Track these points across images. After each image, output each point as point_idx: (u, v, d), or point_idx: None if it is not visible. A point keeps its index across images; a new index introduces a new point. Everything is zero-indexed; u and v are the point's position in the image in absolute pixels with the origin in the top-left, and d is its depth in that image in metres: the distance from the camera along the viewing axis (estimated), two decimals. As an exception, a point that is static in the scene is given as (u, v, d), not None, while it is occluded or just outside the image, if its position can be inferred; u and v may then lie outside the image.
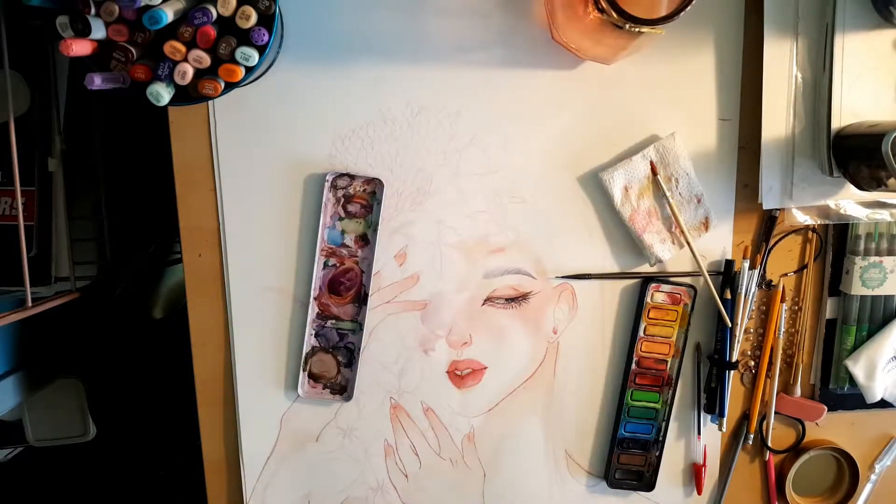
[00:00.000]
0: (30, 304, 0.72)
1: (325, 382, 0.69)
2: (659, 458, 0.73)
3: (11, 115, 0.69)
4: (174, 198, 0.66)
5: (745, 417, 0.74)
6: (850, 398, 0.74)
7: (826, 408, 0.72)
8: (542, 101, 0.66)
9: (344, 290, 0.68)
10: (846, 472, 0.76)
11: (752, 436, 0.73)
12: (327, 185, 0.65)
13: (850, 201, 0.67)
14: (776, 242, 0.70)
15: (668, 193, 0.67)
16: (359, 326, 0.68)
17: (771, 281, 0.71)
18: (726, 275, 0.70)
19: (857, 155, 0.62)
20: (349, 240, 0.67)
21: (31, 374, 0.89)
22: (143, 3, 0.49)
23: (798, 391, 0.73)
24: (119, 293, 1.00)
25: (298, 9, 0.62)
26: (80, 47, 0.50)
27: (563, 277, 0.69)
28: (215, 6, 0.51)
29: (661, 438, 0.72)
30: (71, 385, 0.99)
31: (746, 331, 0.72)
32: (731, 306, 0.69)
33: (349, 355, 0.69)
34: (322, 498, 0.72)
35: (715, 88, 0.67)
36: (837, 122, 0.64)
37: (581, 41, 0.60)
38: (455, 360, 0.70)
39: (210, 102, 0.64)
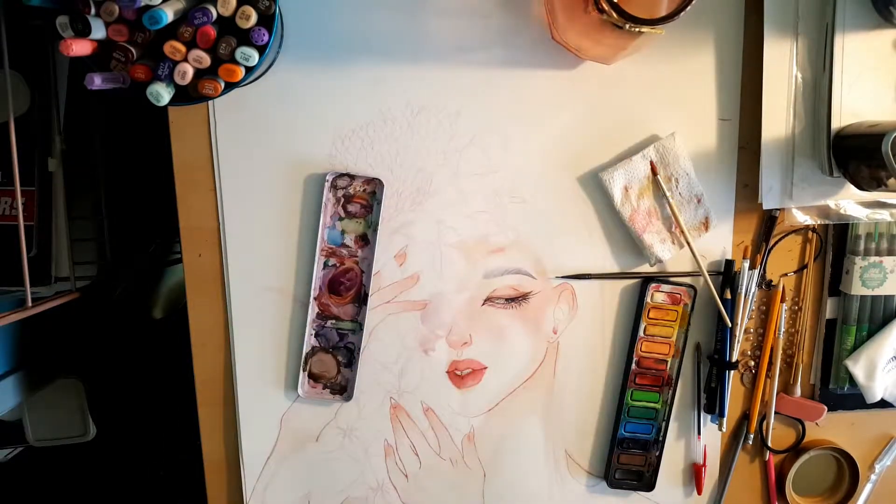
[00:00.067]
0: (30, 304, 0.72)
1: (325, 382, 0.69)
2: (659, 458, 0.73)
3: (11, 115, 0.69)
4: (174, 198, 0.66)
5: (745, 417, 0.74)
6: (850, 398, 0.74)
7: (826, 408, 0.72)
8: (542, 101, 0.66)
9: (344, 290, 0.68)
10: (846, 472, 0.76)
11: (752, 436, 0.73)
12: (327, 185, 0.65)
13: (850, 201, 0.67)
14: (776, 242, 0.70)
15: (668, 193, 0.67)
16: (359, 326, 0.68)
17: (771, 281, 0.71)
18: (726, 275, 0.70)
19: (857, 155, 0.62)
20: (349, 240, 0.67)
21: (31, 374, 0.89)
22: (143, 3, 0.49)
23: (798, 391, 0.73)
24: (119, 293, 1.00)
25: (298, 9, 0.62)
26: (80, 47, 0.50)
27: (563, 277, 0.69)
28: (215, 6, 0.51)
29: (661, 438, 0.72)
30: (71, 385, 0.99)
31: (746, 331, 0.72)
32: (731, 306, 0.69)
33: (349, 355, 0.69)
34: (322, 498, 0.72)
35: (715, 88, 0.67)
36: (837, 122, 0.64)
37: (581, 41, 0.60)
38: (455, 360, 0.70)
39: (210, 102, 0.64)
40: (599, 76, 0.66)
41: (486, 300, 0.69)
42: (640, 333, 0.70)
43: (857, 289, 0.69)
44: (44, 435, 1.00)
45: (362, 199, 0.66)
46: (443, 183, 0.66)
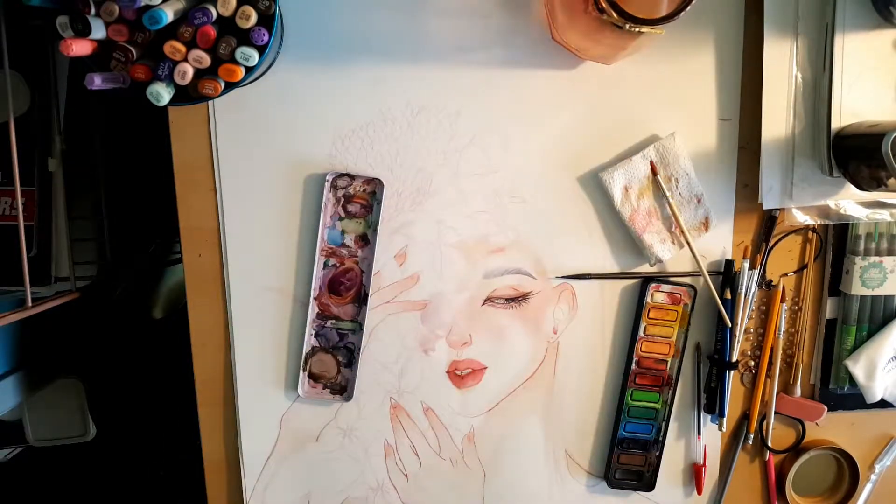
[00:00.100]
0: (30, 304, 0.72)
1: (325, 382, 0.69)
2: (659, 458, 0.73)
3: (11, 115, 0.69)
4: (174, 198, 0.66)
5: (745, 417, 0.74)
6: (850, 398, 0.74)
7: (826, 408, 0.72)
8: (542, 101, 0.66)
9: (344, 290, 0.68)
10: (846, 472, 0.76)
11: (752, 436, 0.73)
12: (327, 185, 0.65)
13: (850, 201, 0.67)
14: (776, 242, 0.70)
15: (668, 193, 0.67)
16: (359, 326, 0.68)
17: (771, 281, 0.71)
18: (726, 275, 0.70)
19: (857, 155, 0.62)
20: (349, 240, 0.67)
21: (31, 374, 0.89)
22: (143, 3, 0.49)
23: (798, 391, 0.73)
24: (119, 293, 1.00)
25: (298, 9, 0.62)
26: (80, 47, 0.50)
27: (563, 277, 0.69)
28: (215, 6, 0.51)
29: (661, 438, 0.72)
30: (71, 385, 0.99)
31: (746, 331, 0.72)
32: (731, 306, 0.69)
33: (349, 355, 0.69)
34: (322, 498, 0.72)
35: (715, 88, 0.67)
36: (837, 122, 0.64)
37: (581, 41, 0.60)
38: (455, 360, 0.70)
39: (210, 102, 0.64)
40: (599, 76, 0.66)
41: (486, 300, 0.69)
42: (640, 333, 0.70)
43: (857, 289, 0.69)
44: (44, 435, 1.00)
45: (362, 199, 0.66)
46: (443, 183, 0.66)
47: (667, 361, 0.71)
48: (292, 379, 0.69)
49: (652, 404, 0.72)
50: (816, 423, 0.74)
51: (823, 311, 0.72)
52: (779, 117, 0.65)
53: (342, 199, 0.66)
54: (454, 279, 0.68)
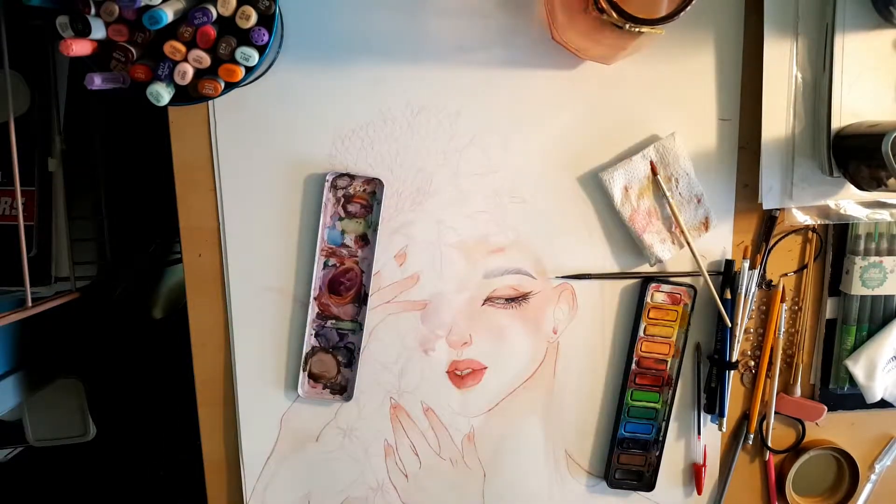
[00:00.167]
0: (30, 304, 0.72)
1: (325, 382, 0.69)
2: (659, 458, 0.73)
3: (11, 115, 0.69)
4: (174, 198, 0.66)
5: (745, 417, 0.74)
6: (850, 398, 0.74)
7: (826, 408, 0.72)
8: (542, 101, 0.66)
9: (344, 290, 0.68)
10: (846, 472, 0.76)
11: (752, 436, 0.73)
12: (327, 185, 0.65)
13: (850, 201, 0.67)
14: (776, 242, 0.70)
15: (668, 193, 0.67)
16: (359, 326, 0.68)
17: (771, 281, 0.71)
18: (726, 275, 0.70)
19: (857, 155, 0.62)
20: (349, 240, 0.67)
21: (31, 374, 0.89)
22: (143, 3, 0.49)
23: (798, 391, 0.73)
24: (119, 293, 1.00)
25: (298, 9, 0.62)
26: (80, 47, 0.50)
27: (563, 277, 0.69)
28: (215, 6, 0.51)
29: (661, 438, 0.72)
30: (71, 385, 0.99)
31: (746, 331, 0.72)
32: (731, 306, 0.69)
33: (349, 355, 0.69)
34: (322, 498, 0.72)
35: (715, 88, 0.67)
36: (837, 122, 0.64)
37: (581, 41, 0.60)
38: (455, 360, 0.70)
39: (210, 102, 0.64)
40: (599, 76, 0.66)
41: (486, 300, 0.69)
42: (640, 333, 0.70)
43: (857, 289, 0.69)
44: (44, 435, 1.00)
45: (362, 199, 0.66)
46: (443, 183, 0.66)
47: (667, 361, 0.71)
48: (292, 379, 0.69)
49: (652, 404, 0.72)
50: (816, 423, 0.74)
51: (823, 311, 0.72)
52: (779, 117, 0.65)
53: (342, 199, 0.66)
54: (454, 279, 0.68)
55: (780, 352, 0.72)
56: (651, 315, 0.70)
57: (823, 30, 0.63)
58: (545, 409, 0.72)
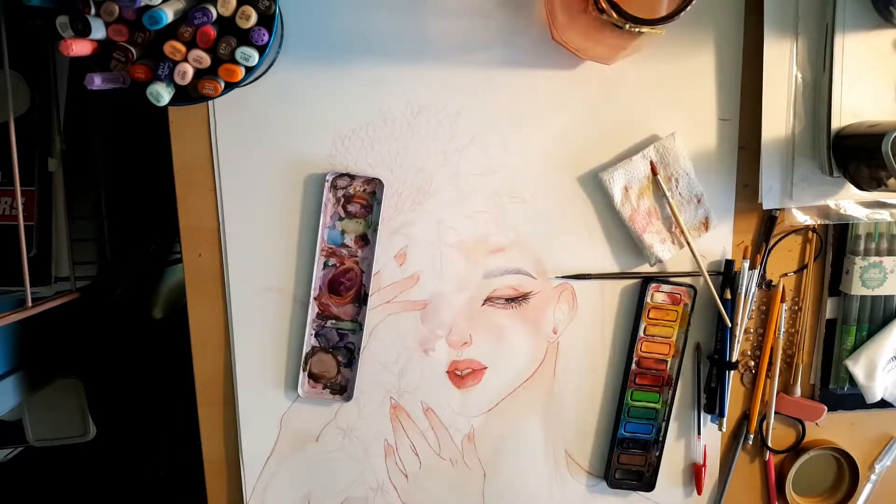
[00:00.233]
0: (30, 304, 0.72)
1: (325, 382, 0.69)
2: (659, 458, 0.73)
3: (11, 115, 0.69)
4: (174, 198, 0.66)
5: (745, 417, 0.74)
6: (850, 398, 0.74)
7: (826, 408, 0.72)
8: (542, 101, 0.66)
9: (344, 290, 0.68)
10: (846, 472, 0.76)
11: (752, 436, 0.73)
12: (327, 185, 0.65)
13: (850, 201, 0.67)
14: (776, 242, 0.70)
15: (668, 193, 0.67)
16: (359, 326, 0.68)
17: (771, 281, 0.71)
18: (726, 275, 0.70)
19: (857, 155, 0.62)
20: (349, 240, 0.67)
21: (31, 374, 0.89)
22: (143, 3, 0.49)
23: (798, 391, 0.73)
24: (119, 293, 1.00)
25: (298, 9, 0.62)
26: (80, 47, 0.50)
27: (563, 277, 0.69)
28: (215, 6, 0.51)
29: (661, 438, 0.72)
30: (71, 385, 0.99)
31: (746, 331, 0.72)
32: (731, 306, 0.69)
33: (349, 355, 0.69)
34: (322, 498, 0.72)
35: (715, 88, 0.67)
36: (837, 122, 0.64)
37: (581, 41, 0.60)
38: (455, 360, 0.70)
39: (210, 102, 0.64)
40: (599, 76, 0.66)
41: (486, 300, 0.69)
42: (640, 333, 0.70)
43: (857, 289, 0.69)
44: (44, 435, 1.00)
45: (362, 199, 0.66)
46: (443, 183, 0.66)
47: (667, 361, 0.71)
48: (292, 379, 0.69)
49: (652, 404, 0.72)
50: (816, 423, 0.74)
51: (823, 311, 0.72)
52: (779, 117, 0.65)
53: (342, 199, 0.66)
54: (454, 279, 0.68)
55: (780, 352, 0.72)
56: (651, 315, 0.70)
57: (823, 30, 0.63)
58: (545, 409, 0.72)
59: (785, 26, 0.64)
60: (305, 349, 0.68)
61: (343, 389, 0.69)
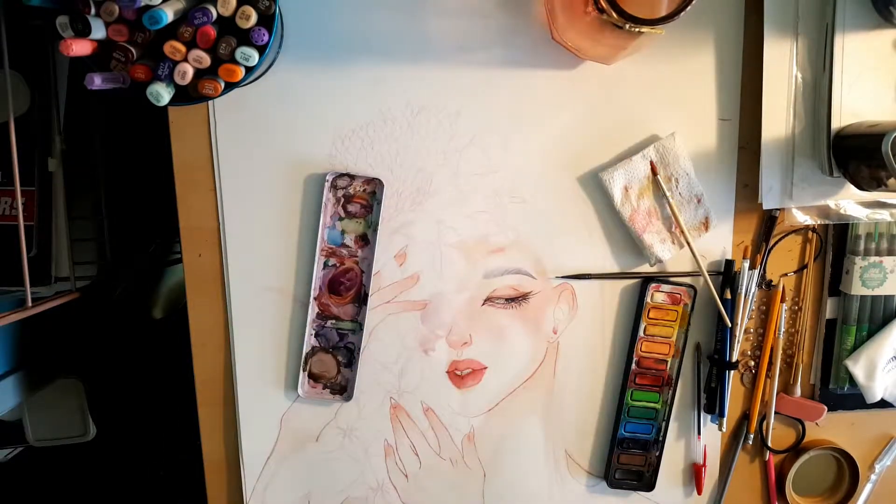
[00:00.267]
0: (30, 304, 0.72)
1: (325, 382, 0.69)
2: (659, 458, 0.73)
3: (11, 115, 0.69)
4: (174, 198, 0.66)
5: (745, 417, 0.74)
6: (850, 398, 0.74)
7: (826, 408, 0.72)
8: (542, 101, 0.66)
9: (344, 290, 0.68)
10: (846, 472, 0.76)
11: (752, 436, 0.73)
12: (327, 185, 0.65)
13: (850, 201, 0.67)
14: (776, 242, 0.70)
15: (668, 193, 0.67)
16: (359, 326, 0.68)
17: (771, 281, 0.71)
18: (726, 275, 0.70)
19: (857, 155, 0.62)
20: (349, 240, 0.67)
21: (31, 374, 0.89)
22: (143, 3, 0.49)
23: (798, 391, 0.73)
24: (119, 293, 1.00)
25: (298, 9, 0.62)
26: (80, 47, 0.50)
27: (563, 277, 0.69)
28: (215, 6, 0.51)
29: (661, 438, 0.72)
30: (71, 385, 0.99)
31: (746, 331, 0.72)
32: (731, 306, 0.69)
33: (349, 355, 0.69)
34: (322, 498, 0.72)
35: (715, 88, 0.67)
36: (837, 122, 0.64)
37: (581, 41, 0.60)
38: (455, 360, 0.70)
39: (210, 102, 0.64)
40: (599, 76, 0.66)
41: (486, 300, 0.69)
42: (640, 333, 0.70)
43: (857, 289, 0.69)
44: (44, 435, 1.00)
45: (362, 199, 0.66)
46: (443, 183, 0.66)
47: (667, 361, 0.71)
48: (292, 379, 0.69)
49: (652, 404, 0.72)
50: (816, 423, 0.74)
51: (823, 311, 0.72)
52: (779, 117, 0.65)
53: (342, 199, 0.66)
54: (454, 279, 0.68)
55: (780, 352, 0.72)
56: (651, 315, 0.70)
57: (823, 30, 0.63)
58: (545, 409, 0.72)
59: (785, 26, 0.64)
60: (305, 349, 0.68)
61: (343, 389, 0.69)
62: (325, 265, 0.67)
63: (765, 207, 0.67)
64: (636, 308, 0.70)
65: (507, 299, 0.69)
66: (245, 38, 0.52)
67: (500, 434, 0.72)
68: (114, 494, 1.12)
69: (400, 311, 0.69)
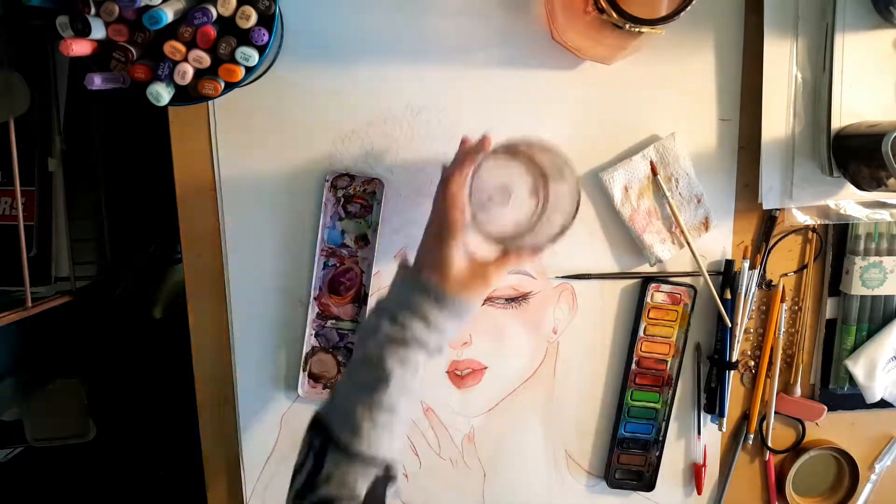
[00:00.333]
0: (30, 304, 0.72)
1: (325, 382, 0.69)
2: (659, 458, 0.73)
3: (11, 115, 0.69)
4: (174, 198, 0.66)
5: (745, 417, 0.74)
6: (850, 398, 0.74)
7: (826, 408, 0.73)
8: (542, 101, 0.66)
9: (344, 290, 0.68)
10: (846, 472, 0.76)
11: (752, 436, 0.73)
12: (327, 185, 0.65)
13: (850, 201, 0.67)
14: (776, 242, 0.70)
15: (668, 193, 0.67)
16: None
17: (771, 281, 0.71)
18: (726, 275, 0.70)
19: (857, 155, 0.62)
20: (349, 240, 0.67)
21: (31, 375, 0.89)
22: (143, 3, 0.49)
23: (798, 391, 0.73)
24: (119, 293, 1.00)
25: (298, 9, 0.62)
26: (80, 47, 0.50)
27: (563, 277, 0.69)
28: (215, 6, 0.51)
29: (661, 438, 0.72)
30: (71, 385, 0.99)
31: (746, 331, 0.72)
32: (731, 306, 0.69)
33: (349, 355, 0.69)
34: (322, 498, 0.72)
35: (715, 88, 0.67)
36: (837, 122, 0.64)
37: (581, 41, 0.60)
38: (455, 360, 0.70)
39: (210, 102, 0.64)
40: (599, 76, 0.66)
41: (486, 300, 0.69)
42: (640, 333, 0.70)
43: (857, 289, 0.69)
44: (44, 435, 1.00)
45: (362, 199, 0.66)
46: (443, 183, 0.66)
47: (667, 361, 0.71)
48: (292, 379, 0.69)
49: (652, 404, 0.72)
50: (816, 423, 0.74)
51: (823, 311, 0.72)
52: (779, 117, 0.65)
53: (342, 199, 0.66)
54: (454, 279, 0.68)
55: (780, 352, 0.72)
56: (651, 315, 0.70)
57: (823, 30, 0.63)
58: (545, 409, 0.72)
59: (785, 26, 0.64)
60: (305, 349, 0.68)
61: (343, 389, 0.69)
62: (325, 265, 0.67)
63: (765, 207, 0.67)
64: (636, 308, 0.70)
65: (507, 299, 0.69)
66: (245, 38, 0.52)
67: (500, 434, 0.72)
68: (114, 494, 1.12)
69: (400, 311, 0.69)
